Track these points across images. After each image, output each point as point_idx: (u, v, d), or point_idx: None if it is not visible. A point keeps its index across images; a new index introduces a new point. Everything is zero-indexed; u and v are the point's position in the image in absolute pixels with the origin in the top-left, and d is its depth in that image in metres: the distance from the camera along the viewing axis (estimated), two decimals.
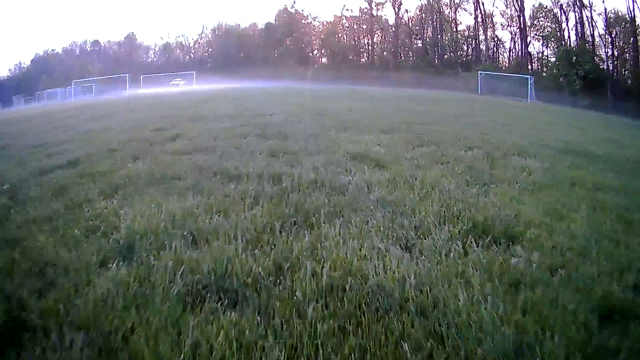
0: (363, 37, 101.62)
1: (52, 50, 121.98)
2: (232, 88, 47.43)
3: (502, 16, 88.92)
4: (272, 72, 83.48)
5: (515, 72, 71.01)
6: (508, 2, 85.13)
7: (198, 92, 42.76)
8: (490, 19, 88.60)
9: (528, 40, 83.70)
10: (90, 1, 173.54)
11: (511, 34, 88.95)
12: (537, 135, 16.04)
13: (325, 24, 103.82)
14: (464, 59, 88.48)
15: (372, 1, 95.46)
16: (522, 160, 9.95)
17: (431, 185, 7.02)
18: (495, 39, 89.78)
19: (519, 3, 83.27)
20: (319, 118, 16.40)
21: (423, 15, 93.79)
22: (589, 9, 73.94)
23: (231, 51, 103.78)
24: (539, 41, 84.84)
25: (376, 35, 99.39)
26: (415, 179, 7.39)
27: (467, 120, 18.68)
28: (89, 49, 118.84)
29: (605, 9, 72.69)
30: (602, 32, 75.14)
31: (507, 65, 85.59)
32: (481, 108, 29.71)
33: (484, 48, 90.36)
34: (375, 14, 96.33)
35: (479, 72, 64.97)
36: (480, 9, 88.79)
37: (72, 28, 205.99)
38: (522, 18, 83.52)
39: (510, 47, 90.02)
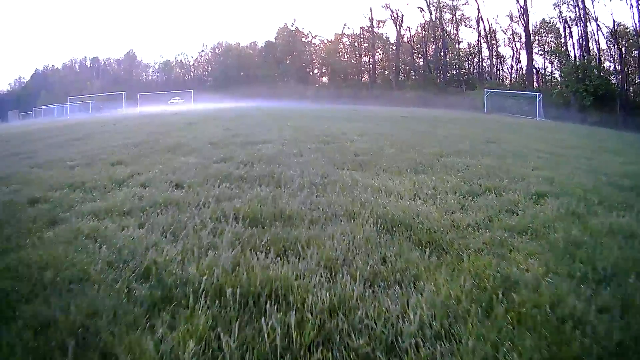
0: (364, 56, 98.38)
1: (52, 66, 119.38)
2: (229, 108, 44.77)
3: (505, 33, 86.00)
4: (272, 91, 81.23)
5: (520, 89, 68.29)
6: (513, 18, 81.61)
7: (192, 112, 40.45)
8: (493, 36, 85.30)
9: (532, 57, 79.84)
10: (91, 18, 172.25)
11: (513, 50, 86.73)
12: (592, 166, 12.26)
13: (325, 42, 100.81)
14: (466, 76, 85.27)
15: (373, 19, 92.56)
16: (619, 219, 6.27)
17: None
18: (498, 55, 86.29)
19: (524, 18, 79.70)
20: (324, 148, 12.98)
21: (425, 32, 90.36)
22: (594, 22, 70.68)
23: (231, 70, 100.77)
24: (542, 57, 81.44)
25: (378, 54, 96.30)
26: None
27: (502, 148, 14.92)
28: (88, 65, 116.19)
29: (614, 21, 69.19)
30: (605, 46, 72.29)
31: (511, 82, 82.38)
32: (501, 129, 26.57)
33: (487, 65, 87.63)
34: (376, 32, 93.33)
35: (485, 90, 62.11)
36: (483, 26, 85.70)
37: (72, 44, 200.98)
38: (527, 33, 79.76)
39: (511, 64, 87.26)
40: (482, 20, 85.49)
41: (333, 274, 4.17)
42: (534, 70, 79.32)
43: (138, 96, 72.36)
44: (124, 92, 71.04)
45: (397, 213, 6.00)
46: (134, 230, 5.45)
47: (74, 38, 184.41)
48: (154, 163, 10.65)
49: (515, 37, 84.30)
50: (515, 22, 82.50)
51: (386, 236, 5.19)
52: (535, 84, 76.17)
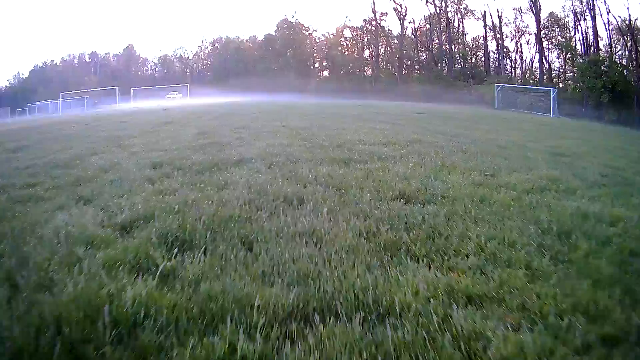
0: (367, 49, 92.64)
1: (51, 61, 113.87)
2: (222, 103, 40.62)
3: (508, 26, 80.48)
4: (272, 85, 76.46)
5: (530, 84, 64.04)
6: (522, 10, 76.04)
7: (181, 108, 36.12)
8: (499, 29, 79.53)
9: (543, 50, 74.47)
10: (90, 13, 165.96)
11: (517, 44, 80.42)
12: None
13: (327, 35, 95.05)
14: (473, 70, 79.40)
15: (376, 11, 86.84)
16: None
17: None
18: (505, 49, 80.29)
19: (535, 10, 73.92)
20: (343, 179, 7.45)
21: (429, 25, 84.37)
22: (606, 14, 65.46)
23: (230, 64, 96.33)
24: (550, 51, 75.75)
25: (381, 47, 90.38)
26: None
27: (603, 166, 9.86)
28: (87, 60, 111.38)
29: (630, 15, 64.05)
30: (615, 40, 67.07)
31: (519, 77, 76.93)
32: (531, 129, 23.00)
33: (493, 59, 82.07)
34: (379, 24, 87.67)
35: (497, 85, 56.94)
36: (490, 18, 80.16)
37: (71, 40, 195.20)
38: (537, 26, 73.95)
39: (515, 58, 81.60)
40: (490, 13, 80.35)
41: None
42: (546, 64, 74.09)
43: (132, 91, 68.73)
44: (116, 87, 67.78)
45: None
46: None
47: (73, 33, 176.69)
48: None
49: (523, 30, 78.98)
50: (525, 13, 77.21)
51: None
52: (544, 79, 70.80)
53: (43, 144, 14.87)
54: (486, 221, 5.30)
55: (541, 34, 73.68)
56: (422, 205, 5.91)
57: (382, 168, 8.44)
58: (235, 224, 4.99)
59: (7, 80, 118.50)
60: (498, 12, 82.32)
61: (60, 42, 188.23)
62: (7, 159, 11.58)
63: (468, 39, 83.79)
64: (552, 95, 48.41)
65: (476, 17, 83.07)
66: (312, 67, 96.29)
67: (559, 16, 73.70)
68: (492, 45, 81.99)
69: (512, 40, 79.74)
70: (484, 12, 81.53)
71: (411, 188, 6.74)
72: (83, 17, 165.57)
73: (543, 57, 74.18)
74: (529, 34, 78.06)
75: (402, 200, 6.16)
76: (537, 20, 73.91)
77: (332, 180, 7.23)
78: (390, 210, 5.59)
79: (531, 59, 79.39)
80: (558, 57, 75.44)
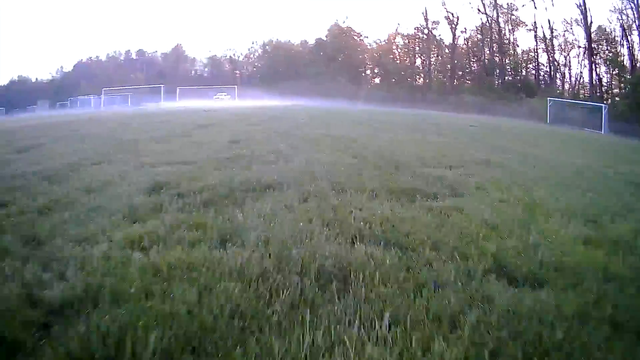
0: (418, 57, 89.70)
1: (96, 57, 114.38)
2: (269, 107, 38.72)
3: (558, 38, 76.79)
4: (321, 90, 74.05)
5: (579, 99, 62.78)
6: (571, 22, 72.35)
7: (225, 110, 34.60)
8: (550, 42, 76.44)
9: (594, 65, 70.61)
10: (140, 11, 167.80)
11: (565, 58, 76.60)
12: None
13: (378, 42, 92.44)
14: (522, 83, 76.42)
15: (428, 19, 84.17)
16: None
17: None
18: (555, 62, 76.94)
19: (584, 23, 70.59)
20: (408, 232, 4.94)
21: (480, 35, 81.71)
22: None
23: (280, 67, 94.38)
24: (599, 66, 71.61)
25: (432, 56, 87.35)
26: None
27: None
28: (134, 57, 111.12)
29: None
30: None
31: (570, 91, 73.69)
32: (594, 149, 20.74)
33: (546, 72, 78.62)
34: (432, 33, 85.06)
35: (549, 99, 54.61)
36: (540, 30, 77.27)
37: (118, 37, 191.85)
38: (588, 40, 70.46)
39: (564, 72, 77.58)
40: (541, 25, 76.80)
41: None
42: (596, 79, 70.52)
43: (177, 90, 67.30)
44: (162, 85, 66.67)
45: None
46: None
47: (121, 31, 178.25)
48: None
49: (573, 44, 75.39)
50: (577, 25, 73.66)
51: None
52: (594, 93, 67.50)
53: (56, 144, 13.24)
54: None
55: (592, 47, 70.10)
56: (531, 288, 3.69)
57: (458, 207, 6.10)
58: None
59: (50, 74, 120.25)
60: (549, 23, 77.53)
61: (106, 39, 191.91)
62: (3, 163, 9.73)
63: (518, 50, 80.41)
64: (603, 112, 46.26)
65: (527, 29, 79.71)
66: (363, 74, 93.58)
67: (607, 30, 70.31)
68: (541, 57, 78.90)
69: (561, 53, 76.20)
70: (534, 22, 78.69)
71: (506, 248, 4.49)
72: (132, 14, 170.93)
73: (594, 72, 70.61)
74: (579, 47, 74.39)
75: (499, 276, 3.87)
76: (588, 33, 70.41)
77: (394, 230, 4.90)
78: (489, 303, 3.35)
79: (580, 73, 75.73)
80: (606, 72, 71.64)
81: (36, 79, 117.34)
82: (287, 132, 15.09)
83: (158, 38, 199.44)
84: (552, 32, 75.75)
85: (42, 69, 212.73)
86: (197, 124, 19.25)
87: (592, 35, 70.68)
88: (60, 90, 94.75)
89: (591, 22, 70.08)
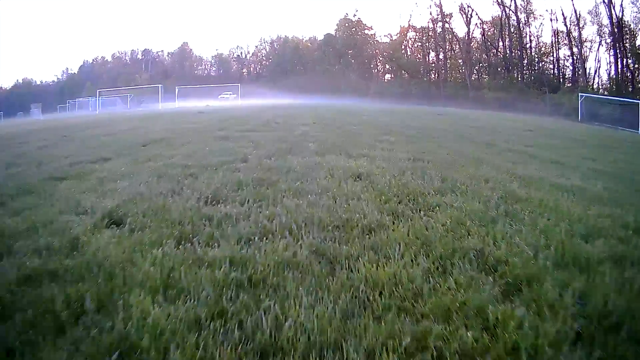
0: (432, 51, 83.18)
1: (102, 57, 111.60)
2: (275, 106, 34.80)
3: (583, 28, 69.67)
4: (331, 87, 70.59)
5: (612, 94, 54.84)
6: (597, 13, 65.81)
7: (222, 110, 30.80)
8: (579, 35, 68.92)
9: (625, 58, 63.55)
10: (147, 10, 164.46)
11: (589, 51, 69.59)
12: None
13: (390, 36, 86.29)
14: (544, 77, 69.82)
15: (443, 11, 77.66)
16: None
17: None
18: (583, 57, 69.20)
19: (610, 15, 63.89)
20: None
21: (498, 27, 74.88)
22: None
23: (288, 64, 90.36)
24: (628, 59, 64.23)
25: (448, 50, 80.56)
26: None
27: None
28: (140, 57, 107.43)
29: None
30: None
31: (597, 86, 67.38)
32: None
33: (568, 66, 72.02)
34: (447, 26, 78.61)
35: (581, 95, 48.75)
36: (562, 22, 70.25)
37: (124, 37, 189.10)
38: (617, 29, 63.03)
39: (588, 67, 70.28)
40: (563, 12, 70.02)
41: None
42: (631, 72, 63.56)
43: (176, 90, 61.75)
44: (160, 85, 61.28)
45: None
46: None
47: (127, 31, 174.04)
48: None
49: (597, 35, 68.53)
50: (598, 17, 67.08)
51: None
52: (628, 89, 60.80)
53: None
54: None
55: (623, 39, 63.70)
56: None
57: None
58: None
59: (55, 76, 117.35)
60: (576, 13, 70.11)
61: (113, 40, 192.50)
62: None
63: (538, 42, 74.10)
64: None
65: (550, 18, 75.49)
66: (374, 70, 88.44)
67: (627, 22, 64.22)
68: (562, 50, 72.56)
69: (584, 46, 69.34)
70: (554, 12, 74.83)
71: None
72: (140, 14, 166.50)
73: (623, 67, 64.10)
74: (602, 39, 67.90)
75: None
76: (619, 26, 63.59)
77: None
78: None
79: (607, 69, 69.94)
80: (634, 65, 64.31)
81: (40, 81, 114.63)
82: (280, 152, 9.15)
83: (164, 37, 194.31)
84: (578, 21, 68.54)
85: (48, 72, 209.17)
86: (153, 138, 13.03)
87: (615, 28, 63.92)
88: (66, 92, 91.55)
89: (621, 15, 63.68)
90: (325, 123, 16.91)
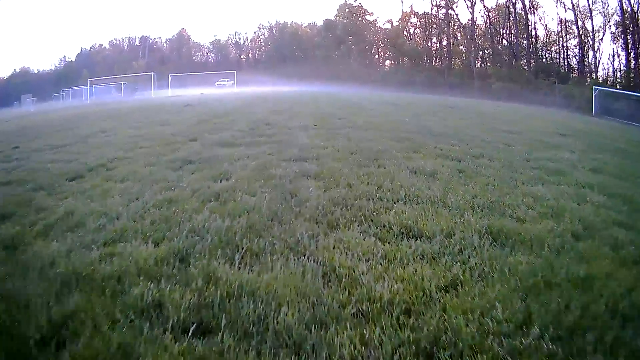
0: (435, 38, 78.96)
1: (99, 45, 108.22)
2: (271, 95, 32.50)
3: (594, 16, 64.71)
4: (332, 74, 67.89)
5: (624, 87, 52.15)
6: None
7: (210, 102, 27.14)
8: (591, 24, 64.42)
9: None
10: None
11: (600, 41, 65.02)
12: None
13: (391, 22, 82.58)
14: (552, 68, 65.83)
15: None
16: None
17: None
18: (588, 46, 64.88)
19: (624, 3, 59.05)
20: None
21: (501, 14, 71.15)
22: None
23: (287, 50, 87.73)
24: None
25: (452, 37, 76.44)
26: None
27: None
28: (137, 44, 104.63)
29: None
30: None
31: (608, 77, 63.08)
32: None
33: (578, 55, 66.75)
34: (452, 13, 74.60)
35: (595, 87, 45.12)
36: (572, 9, 65.53)
37: (124, 24, 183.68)
38: (630, 23, 58.76)
39: (599, 57, 65.14)
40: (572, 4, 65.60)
41: None
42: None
43: (170, 78, 58.97)
44: (153, 73, 57.83)
45: None
46: None
47: (126, 18, 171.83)
48: None
49: (605, 26, 63.84)
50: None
51: None
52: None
53: None
54: None
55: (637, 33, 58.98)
56: None
57: None
58: None
59: (53, 64, 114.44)
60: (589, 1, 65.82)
61: (111, 27, 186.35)
62: None
63: (543, 32, 69.95)
64: None
65: (560, 2, 68.02)
66: (375, 56, 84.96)
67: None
68: (571, 40, 67.91)
69: (594, 36, 65.09)
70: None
71: None
72: (137, 1, 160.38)
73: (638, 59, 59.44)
74: (618, 31, 62.32)
75: None
76: (633, 17, 58.71)
77: None
78: None
79: (621, 60, 63.49)
80: None
81: (37, 70, 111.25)
82: (256, 229, 5.40)
83: (162, 24, 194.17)
84: (591, 8, 64.12)
85: (47, 60, 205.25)
86: (91, 165, 8.79)
87: (628, 20, 59.71)
88: (62, 80, 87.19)
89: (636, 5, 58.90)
90: (328, 127, 13.01)
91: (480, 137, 12.19)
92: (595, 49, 64.12)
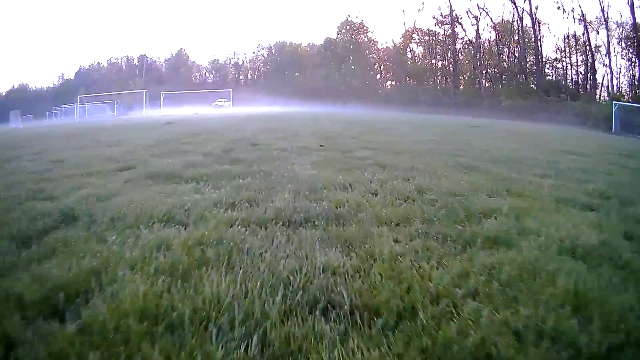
0: (440, 56, 74.64)
1: (98, 63, 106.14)
2: (262, 112, 32.44)
3: (599, 33, 61.67)
4: (332, 94, 66.22)
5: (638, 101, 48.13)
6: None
7: (194, 121, 24.15)
8: (607, 39, 60.46)
9: None
10: (143, 17, 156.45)
11: (607, 56, 60.74)
12: None
13: (394, 40, 79.64)
14: (562, 83, 62.76)
15: (453, 10, 69.54)
16: None
17: None
18: (605, 63, 61.06)
19: (634, 14, 55.06)
20: None
21: (506, 32, 67.75)
22: None
23: (286, 69, 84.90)
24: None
25: (458, 55, 71.97)
26: None
27: None
28: (135, 63, 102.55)
29: None
30: None
31: (628, 94, 58.06)
32: None
33: (578, 72, 64.31)
34: (456, 30, 70.74)
35: (615, 103, 41.96)
36: (583, 24, 61.88)
37: (122, 43, 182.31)
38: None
39: (607, 72, 61.22)
40: (581, 10, 62.15)
41: None
42: None
43: (162, 96, 56.60)
44: (144, 91, 56.08)
45: None
46: None
47: (125, 37, 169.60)
48: None
49: (615, 41, 60.20)
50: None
51: None
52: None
53: None
54: None
55: None
56: None
57: None
58: None
59: (51, 82, 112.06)
60: (604, 14, 62.18)
61: (109, 46, 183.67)
62: None
63: (548, 49, 66.70)
64: None
65: (566, 15, 65.73)
66: (378, 76, 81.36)
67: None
68: (580, 56, 64.07)
69: (606, 55, 61.68)
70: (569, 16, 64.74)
71: None
72: (136, 21, 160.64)
73: None
74: (629, 45, 58.81)
75: None
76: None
77: None
78: None
79: (632, 74, 59.91)
80: None
81: (35, 87, 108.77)
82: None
83: (161, 43, 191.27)
84: (606, 20, 60.06)
85: (46, 78, 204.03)
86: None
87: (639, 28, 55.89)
88: (61, 98, 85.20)
89: None
90: (340, 149, 8.75)
91: (564, 164, 7.96)
92: (605, 63, 60.63)
